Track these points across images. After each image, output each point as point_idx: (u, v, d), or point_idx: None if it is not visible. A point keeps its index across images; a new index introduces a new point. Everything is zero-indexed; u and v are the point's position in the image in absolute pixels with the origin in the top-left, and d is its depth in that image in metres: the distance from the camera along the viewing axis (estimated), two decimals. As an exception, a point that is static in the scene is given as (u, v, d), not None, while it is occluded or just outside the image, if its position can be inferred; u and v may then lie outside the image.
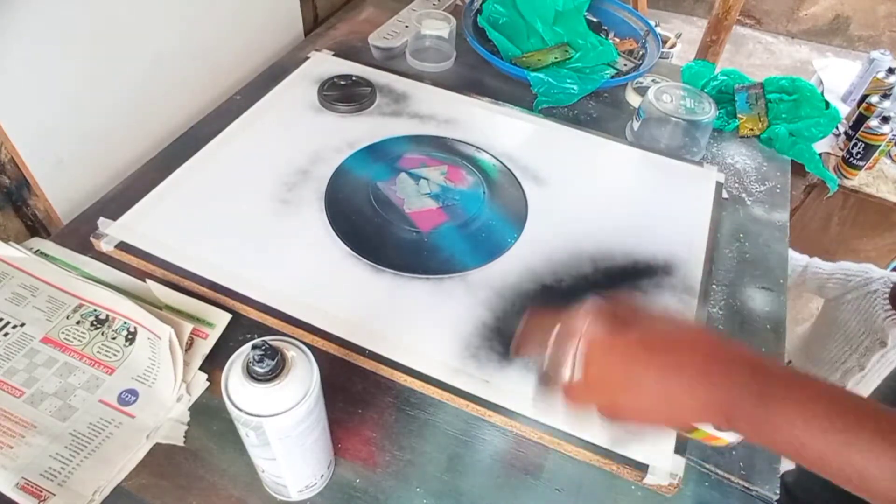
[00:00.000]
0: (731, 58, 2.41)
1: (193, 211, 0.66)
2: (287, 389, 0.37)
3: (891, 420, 0.34)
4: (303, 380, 0.38)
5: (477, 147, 0.77)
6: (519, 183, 0.74)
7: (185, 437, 0.50)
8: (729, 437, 0.39)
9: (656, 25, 1.13)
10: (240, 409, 0.37)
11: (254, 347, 0.36)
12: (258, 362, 0.36)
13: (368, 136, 0.77)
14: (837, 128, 1.49)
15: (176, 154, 0.72)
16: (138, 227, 0.64)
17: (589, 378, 0.40)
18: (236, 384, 0.38)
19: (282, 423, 0.38)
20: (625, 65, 0.95)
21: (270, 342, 0.37)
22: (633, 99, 0.90)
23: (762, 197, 0.78)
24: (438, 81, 0.88)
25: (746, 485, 0.51)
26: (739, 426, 0.37)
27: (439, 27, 0.92)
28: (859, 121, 1.43)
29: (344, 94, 0.81)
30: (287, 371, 0.38)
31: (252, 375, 0.37)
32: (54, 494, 0.45)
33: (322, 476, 0.47)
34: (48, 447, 0.48)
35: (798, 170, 0.85)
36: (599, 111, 0.88)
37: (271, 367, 0.37)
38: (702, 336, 0.41)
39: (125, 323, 0.55)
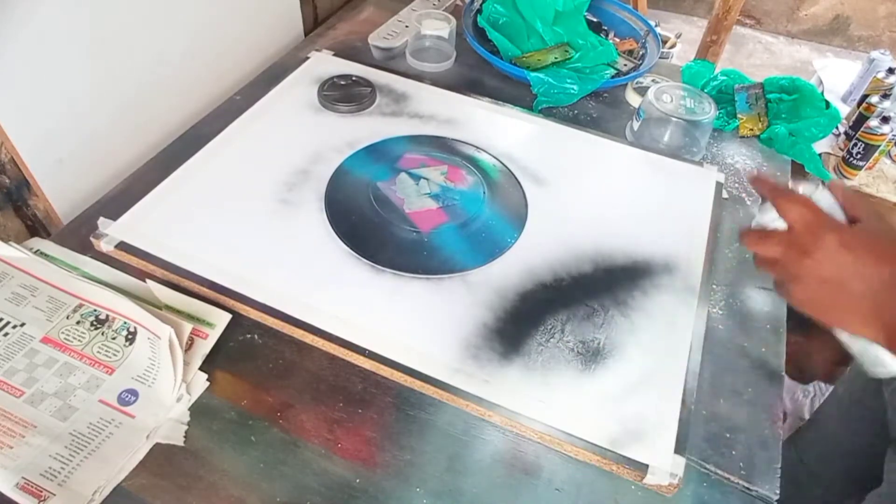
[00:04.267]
0: (731, 58, 2.41)
1: (193, 211, 0.66)
2: None
3: None
4: None
5: (477, 147, 0.77)
6: (519, 183, 0.74)
7: (185, 437, 0.50)
8: None
9: (656, 25, 1.13)
10: None
11: None
12: None
13: (368, 136, 0.77)
14: (837, 128, 1.49)
15: (176, 154, 0.72)
16: (138, 227, 0.64)
17: (805, 265, 0.43)
18: None
19: None
20: (625, 65, 0.95)
21: None
22: (633, 99, 0.90)
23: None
24: (438, 81, 0.88)
25: (746, 485, 0.51)
26: None
27: (439, 27, 0.92)
28: (859, 121, 1.43)
29: (344, 94, 0.81)
30: None
31: None
32: (54, 494, 0.45)
33: None
34: (48, 447, 0.48)
35: (798, 170, 0.85)
36: (599, 111, 0.89)
37: None
38: None
39: (125, 323, 0.55)
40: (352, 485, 0.49)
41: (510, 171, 0.75)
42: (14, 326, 0.55)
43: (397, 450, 0.51)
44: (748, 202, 0.77)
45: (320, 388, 0.55)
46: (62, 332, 0.55)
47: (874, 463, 0.71)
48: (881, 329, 0.41)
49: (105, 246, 0.62)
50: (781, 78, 0.89)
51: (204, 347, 0.55)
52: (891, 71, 1.51)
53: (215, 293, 0.59)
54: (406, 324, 0.58)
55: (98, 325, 0.55)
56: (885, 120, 1.35)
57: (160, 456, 0.49)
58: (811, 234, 0.43)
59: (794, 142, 0.84)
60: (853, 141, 1.40)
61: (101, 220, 0.63)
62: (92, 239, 0.62)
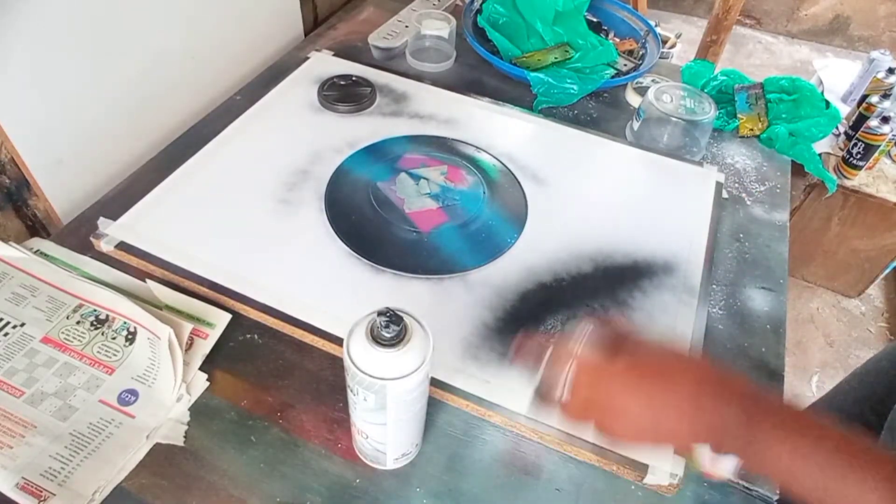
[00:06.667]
0: (731, 58, 2.41)
1: (193, 211, 0.66)
2: (409, 354, 0.40)
3: (881, 459, 0.34)
4: (421, 346, 0.40)
5: (477, 147, 0.77)
6: (519, 183, 0.74)
7: (185, 437, 0.50)
8: (725, 471, 0.39)
9: (656, 25, 1.13)
10: (364, 373, 0.39)
11: (379, 314, 0.39)
12: (385, 328, 0.38)
13: (368, 136, 0.77)
14: (837, 128, 1.49)
15: (176, 154, 0.72)
16: (138, 227, 0.64)
17: (579, 402, 0.42)
18: (360, 349, 0.39)
19: (402, 387, 0.40)
20: (625, 65, 0.95)
21: (394, 310, 0.39)
22: (633, 99, 0.90)
23: (762, 197, 0.78)
24: (438, 81, 0.88)
25: (746, 485, 0.51)
26: (729, 451, 0.38)
27: (439, 27, 0.92)
28: (859, 121, 1.43)
29: (344, 94, 0.81)
30: (409, 337, 0.40)
31: (378, 340, 0.39)
32: (54, 494, 0.45)
33: (416, 445, 0.50)
34: (48, 447, 0.48)
35: (798, 170, 0.85)
36: (599, 111, 0.88)
37: (396, 333, 0.39)
38: (693, 363, 0.43)
39: (125, 323, 0.55)
40: (352, 485, 0.49)
41: (510, 171, 0.75)
42: (14, 326, 0.55)
43: (397, 450, 0.51)
44: (748, 202, 0.77)
45: (320, 388, 0.55)
46: (62, 332, 0.55)
47: None
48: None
49: (105, 246, 0.62)
50: (781, 78, 0.89)
51: (204, 347, 0.55)
52: (891, 71, 1.51)
53: (215, 293, 0.59)
54: (406, 324, 0.58)
55: (98, 325, 0.55)
56: (885, 120, 1.35)
57: (160, 456, 0.49)
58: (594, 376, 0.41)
59: (794, 142, 0.84)
60: (853, 141, 1.40)
61: (101, 220, 0.63)
62: (92, 239, 0.62)
